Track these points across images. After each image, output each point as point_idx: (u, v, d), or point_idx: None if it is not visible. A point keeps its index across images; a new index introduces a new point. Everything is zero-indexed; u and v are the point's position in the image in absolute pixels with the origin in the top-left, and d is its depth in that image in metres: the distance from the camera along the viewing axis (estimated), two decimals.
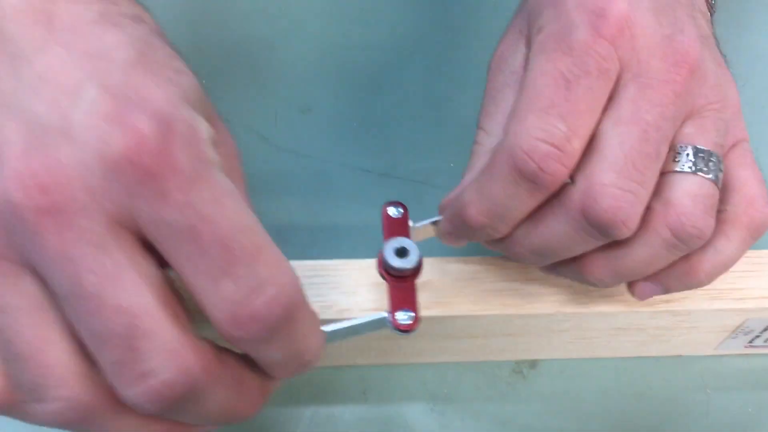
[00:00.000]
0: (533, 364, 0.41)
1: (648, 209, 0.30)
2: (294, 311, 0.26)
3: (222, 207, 0.24)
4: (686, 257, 0.32)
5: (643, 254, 0.31)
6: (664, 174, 0.31)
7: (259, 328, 0.25)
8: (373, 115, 0.49)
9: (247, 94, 0.50)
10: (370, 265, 0.37)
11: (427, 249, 0.37)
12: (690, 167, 0.30)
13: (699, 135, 0.31)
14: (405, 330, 0.32)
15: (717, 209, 0.31)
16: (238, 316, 0.25)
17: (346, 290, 0.36)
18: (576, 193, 0.30)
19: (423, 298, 0.36)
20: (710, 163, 0.31)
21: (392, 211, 0.35)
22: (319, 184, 0.47)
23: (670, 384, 0.41)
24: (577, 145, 0.29)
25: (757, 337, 0.40)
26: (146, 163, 0.23)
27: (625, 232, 0.30)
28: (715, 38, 0.34)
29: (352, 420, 0.40)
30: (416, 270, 0.33)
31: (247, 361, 0.28)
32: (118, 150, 0.23)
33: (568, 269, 0.33)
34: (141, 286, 0.24)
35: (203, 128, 0.25)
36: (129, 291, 0.24)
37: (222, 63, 0.51)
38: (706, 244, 0.31)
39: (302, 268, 0.36)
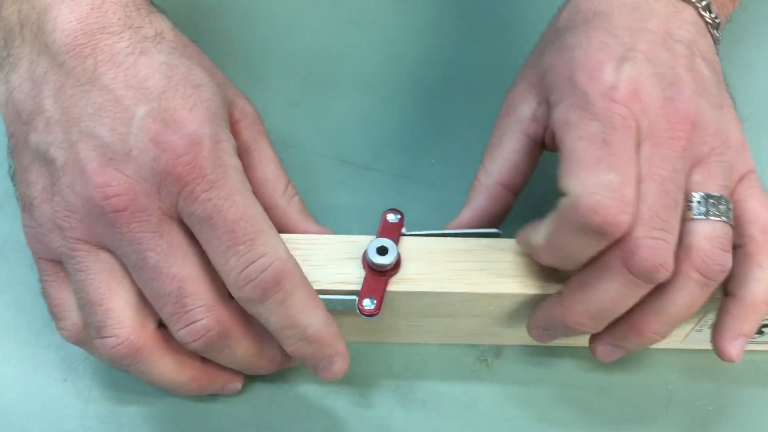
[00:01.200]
0: (498, 352, 0.42)
1: (675, 258, 0.34)
2: (283, 280, 0.33)
3: (232, 202, 0.33)
4: (739, 300, 0.36)
5: (684, 298, 0.35)
6: (683, 222, 0.34)
7: (252, 289, 0.33)
8: (358, 111, 0.50)
9: (241, 87, 0.51)
10: (340, 240, 0.38)
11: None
12: (703, 213, 0.34)
13: (707, 181, 0.35)
14: (367, 314, 0.37)
15: (740, 243, 0.36)
16: (237, 281, 0.33)
17: (316, 263, 0.38)
18: (615, 252, 0.33)
19: (397, 273, 0.37)
20: (720, 206, 0.35)
21: (391, 217, 0.39)
22: (303, 173, 0.47)
23: (632, 377, 0.42)
24: (631, 192, 0.33)
25: None
26: (181, 173, 0.32)
27: (666, 274, 0.33)
28: (720, 73, 0.38)
29: (316, 398, 0.40)
30: (393, 267, 0.37)
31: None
32: (162, 166, 0.32)
33: (626, 338, 0.37)
34: (186, 260, 0.33)
35: (224, 138, 0.34)
36: (178, 264, 0.33)
37: (220, 57, 0.52)
38: (749, 280, 0.35)
39: None
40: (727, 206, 0.35)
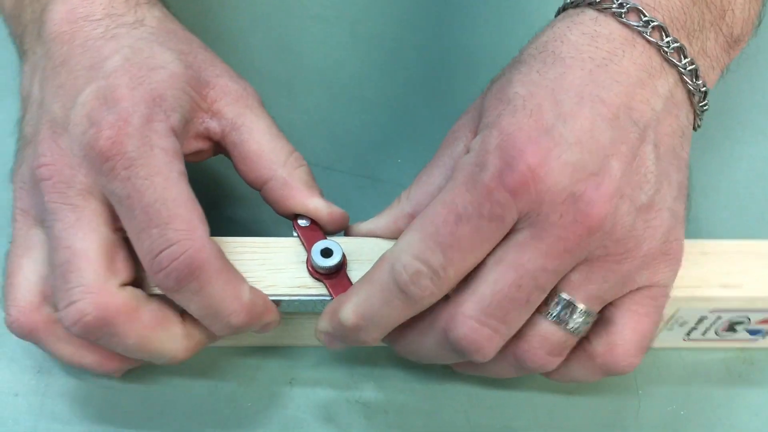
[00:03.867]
0: None
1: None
2: (197, 270, 0.32)
3: (150, 182, 0.32)
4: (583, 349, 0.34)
5: (496, 369, 0.35)
6: (534, 312, 0.33)
7: (164, 277, 0.32)
8: (323, 111, 0.49)
9: None
10: (299, 242, 0.37)
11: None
12: (554, 317, 0.33)
13: (580, 286, 0.32)
14: None
15: (589, 339, 0.34)
16: (151, 266, 0.32)
17: (274, 267, 0.37)
18: (443, 313, 0.33)
19: (355, 277, 0.36)
20: (574, 316, 0.33)
21: (302, 221, 0.38)
22: None
23: (602, 381, 0.39)
24: (452, 274, 0.32)
25: (694, 329, 0.40)
26: (102, 148, 0.32)
27: (479, 359, 0.33)
28: (681, 160, 0.34)
29: (275, 412, 0.39)
30: (342, 264, 0.36)
31: (178, 311, 0.35)
32: (88, 139, 0.33)
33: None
34: (89, 236, 0.33)
35: (159, 119, 0.33)
36: (78, 237, 0.33)
37: None
38: (574, 357, 0.35)
39: (233, 244, 0.37)
40: (584, 318, 0.33)
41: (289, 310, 0.37)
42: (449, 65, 0.51)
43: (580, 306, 0.33)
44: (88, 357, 0.35)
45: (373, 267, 0.33)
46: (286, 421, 0.39)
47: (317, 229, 0.37)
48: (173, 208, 0.32)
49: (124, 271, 0.34)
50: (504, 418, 0.39)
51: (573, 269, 0.32)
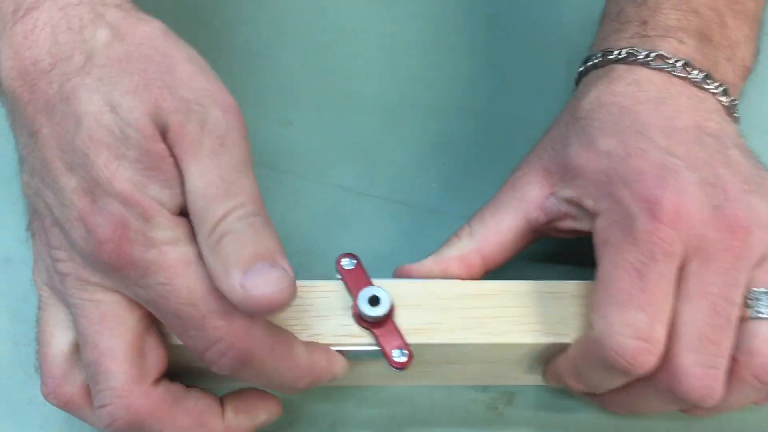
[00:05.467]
0: (510, 399, 0.40)
1: (732, 359, 0.33)
2: (247, 358, 0.32)
3: (171, 288, 0.31)
4: None
5: (736, 399, 0.34)
6: (743, 321, 0.33)
7: (220, 369, 0.32)
8: (354, 132, 0.47)
9: None
10: (341, 286, 0.36)
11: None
12: (765, 312, 0.32)
13: (766, 276, 0.33)
14: (400, 367, 0.34)
15: None
16: (204, 361, 0.32)
17: (318, 314, 0.35)
18: (662, 374, 0.32)
19: (404, 323, 0.35)
20: None
21: (345, 263, 0.36)
22: (295, 201, 0.45)
23: (652, 421, 0.39)
24: (661, 330, 0.32)
25: None
26: (108, 261, 0.31)
27: (712, 403, 0.32)
28: (752, 153, 0.36)
29: None
30: (390, 313, 0.35)
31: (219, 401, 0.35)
32: (91, 249, 0.31)
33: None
34: (115, 332, 0.32)
35: (155, 213, 0.31)
36: (105, 336, 0.32)
37: None
38: None
39: None
40: None
41: None
42: (483, 85, 0.49)
43: None
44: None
45: (585, 350, 0.34)
46: None
47: (362, 272, 0.36)
48: (203, 306, 0.31)
49: (155, 366, 0.33)
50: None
51: (754, 270, 0.33)
